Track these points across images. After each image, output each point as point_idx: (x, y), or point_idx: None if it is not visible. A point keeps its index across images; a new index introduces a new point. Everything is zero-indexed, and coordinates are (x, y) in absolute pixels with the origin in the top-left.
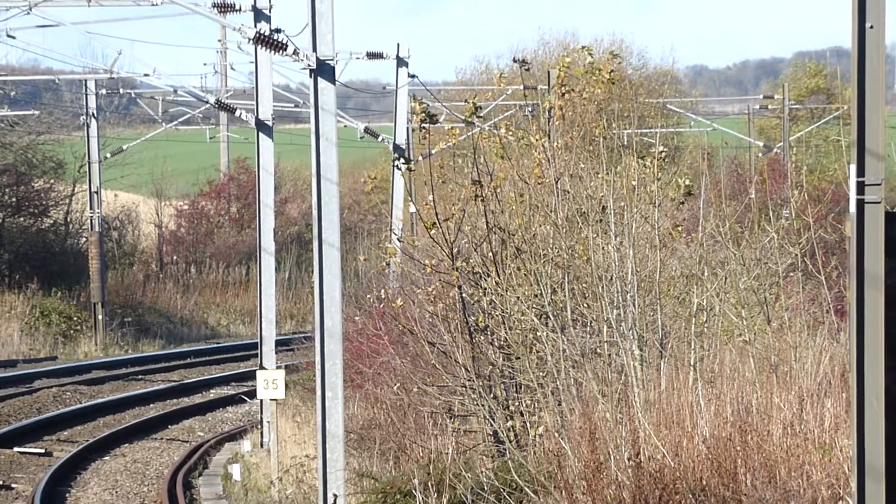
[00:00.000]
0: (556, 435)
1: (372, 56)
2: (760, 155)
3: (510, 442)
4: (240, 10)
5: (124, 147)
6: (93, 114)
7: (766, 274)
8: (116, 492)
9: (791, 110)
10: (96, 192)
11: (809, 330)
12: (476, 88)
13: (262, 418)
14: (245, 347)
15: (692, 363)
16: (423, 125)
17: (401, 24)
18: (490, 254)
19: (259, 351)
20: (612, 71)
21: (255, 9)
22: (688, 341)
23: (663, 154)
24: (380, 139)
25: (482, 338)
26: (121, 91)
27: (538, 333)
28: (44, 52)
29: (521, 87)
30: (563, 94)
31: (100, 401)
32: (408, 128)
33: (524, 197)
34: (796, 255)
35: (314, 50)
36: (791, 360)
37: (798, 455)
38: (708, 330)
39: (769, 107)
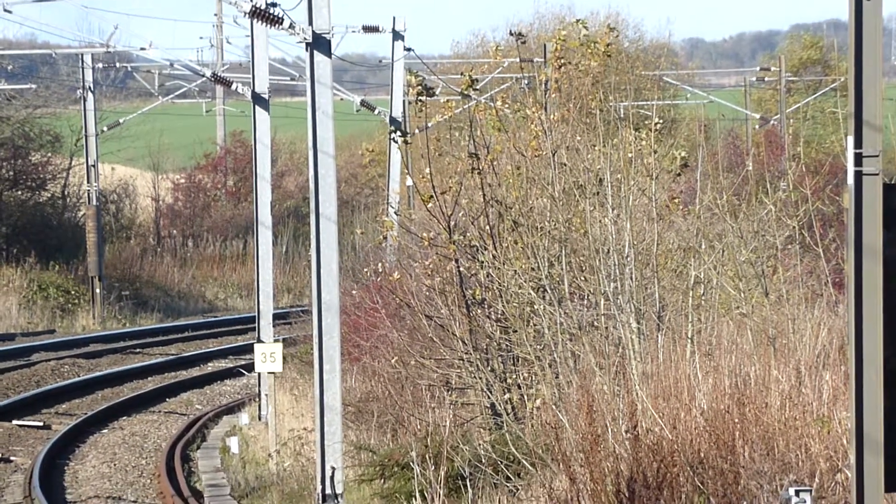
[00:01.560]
0: (554, 407)
1: (368, 29)
2: (757, 127)
3: (507, 414)
4: None
5: (121, 121)
6: (89, 87)
7: (764, 246)
8: (115, 464)
9: (787, 82)
10: (93, 166)
11: (807, 302)
12: (472, 61)
13: (259, 391)
14: (242, 321)
15: (690, 336)
16: (420, 98)
17: None
18: (487, 227)
19: (257, 324)
20: (609, 44)
21: None
22: (685, 314)
23: (660, 126)
24: (376, 112)
25: (479, 311)
26: (117, 65)
27: (535, 306)
28: (41, 26)
29: (518, 60)
30: (560, 67)
31: (98, 374)
32: (404, 101)
33: (521, 170)
34: (794, 227)
35: (310, 24)
36: (789, 333)
37: (796, 427)
38: (705, 302)
39: (766, 79)
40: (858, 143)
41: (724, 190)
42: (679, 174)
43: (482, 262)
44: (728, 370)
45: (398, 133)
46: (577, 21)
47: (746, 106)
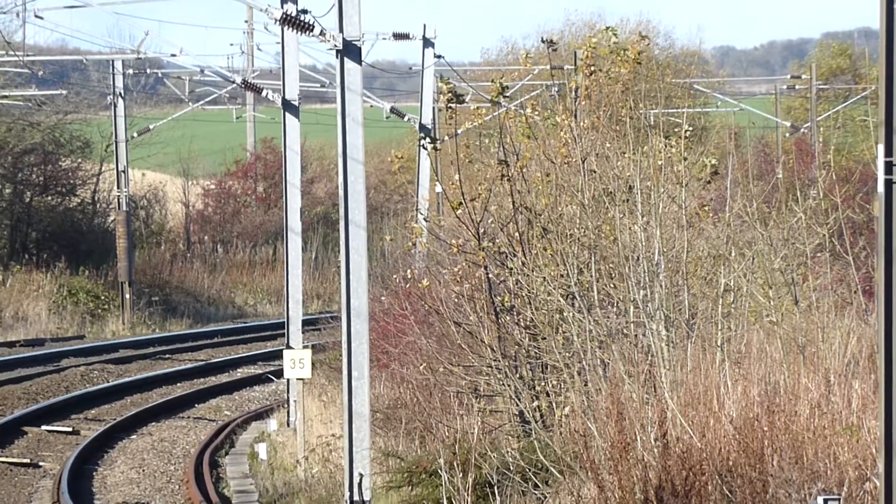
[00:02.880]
0: (583, 415)
1: (398, 37)
2: (787, 135)
3: (536, 422)
4: None
5: (151, 127)
6: (120, 93)
7: (794, 254)
8: (143, 470)
9: (818, 90)
10: (123, 172)
11: (837, 310)
12: (502, 69)
13: (288, 397)
14: (272, 327)
15: (719, 344)
16: (450, 105)
17: (427, 6)
18: (516, 234)
19: (286, 330)
20: (640, 52)
21: None
22: (715, 322)
23: (690, 134)
24: (406, 119)
25: (508, 318)
26: (148, 71)
27: (564, 314)
28: (71, 32)
29: (548, 67)
30: (590, 75)
31: (127, 380)
32: (434, 108)
33: (550, 177)
34: (824, 235)
35: (340, 31)
36: (818, 341)
37: (825, 436)
38: (735, 310)
39: (796, 87)
40: (889, 152)
41: (755, 198)
42: (709, 182)
43: (511, 268)
44: (757, 378)
45: (428, 140)
46: (607, 28)
47: (777, 114)
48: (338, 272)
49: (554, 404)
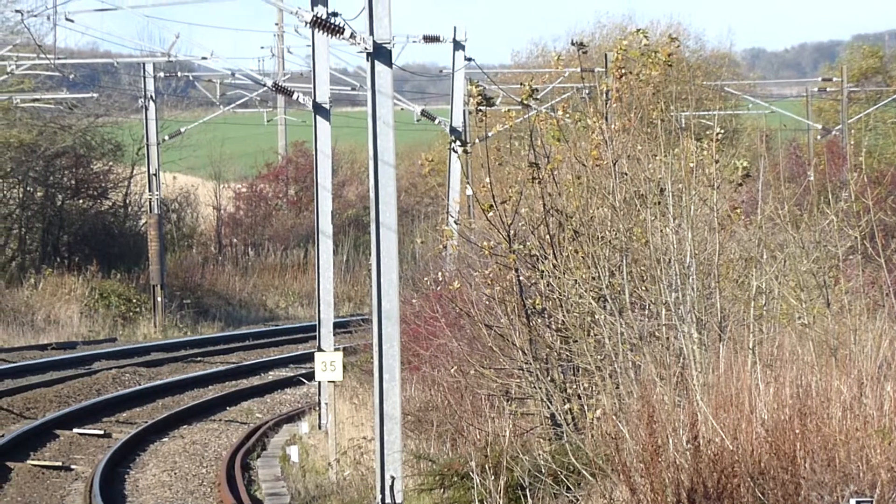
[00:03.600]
0: (614, 418)
1: (429, 39)
2: (819, 137)
3: (567, 425)
4: None
5: (182, 130)
6: (151, 97)
7: (826, 257)
8: (175, 473)
9: (849, 92)
10: (155, 175)
11: (869, 313)
12: (533, 71)
13: (319, 400)
14: (303, 330)
15: (751, 346)
16: (480, 108)
17: (457, 8)
18: (547, 236)
19: (317, 333)
20: (670, 54)
21: None
22: (747, 324)
23: (721, 136)
24: (436, 122)
25: (539, 321)
26: (179, 74)
27: (596, 316)
28: (102, 35)
29: (578, 69)
30: (621, 77)
31: (159, 382)
32: (464, 110)
33: (581, 179)
34: (856, 237)
35: (371, 33)
36: (850, 344)
37: (857, 438)
38: (767, 313)
39: (827, 89)
40: None
41: (786, 200)
42: (741, 184)
43: (542, 271)
44: (789, 381)
45: (458, 142)
46: (638, 31)
47: (808, 116)
48: (369, 275)
49: (585, 407)
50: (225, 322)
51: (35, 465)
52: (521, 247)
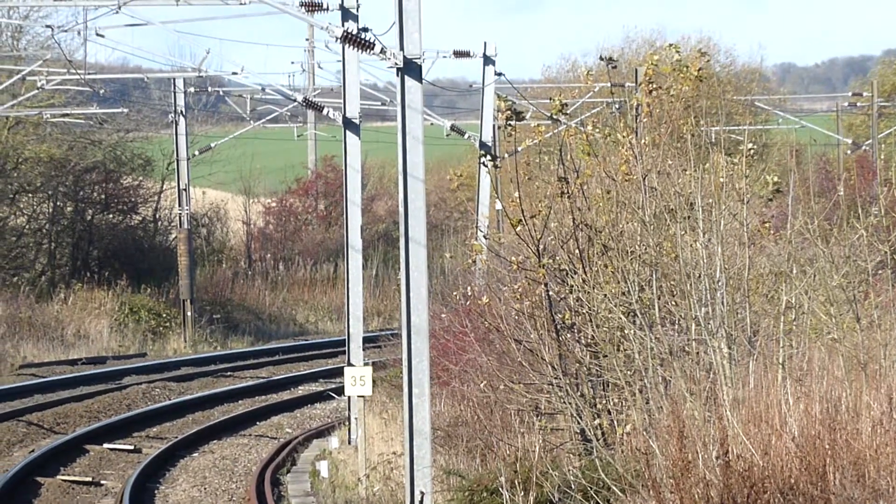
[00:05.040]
0: (644, 433)
1: (459, 54)
2: (849, 152)
3: (597, 440)
4: (327, 9)
5: (212, 145)
6: (181, 112)
7: (856, 271)
8: (205, 488)
9: (880, 107)
10: (185, 190)
11: None
12: (562, 86)
13: (349, 415)
14: (333, 344)
15: (781, 361)
16: (510, 122)
17: (487, 23)
18: (577, 251)
19: (347, 348)
20: (700, 69)
21: (342, 8)
22: (776, 339)
23: (752, 151)
24: (466, 137)
25: (569, 335)
26: (209, 89)
27: (625, 331)
28: (133, 50)
29: (608, 84)
30: (651, 92)
31: (188, 397)
32: (494, 125)
33: (611, 194)
34: (886, 252)
35: (401, 49)
36: (881, 359)
37: (888, 454)
38: (797, 328)
39: (858, 104)
40: None
41: (816, 215)
42: (771, 199)
43: (572, 286)
44: (819, 396)
45: (488, 157)
46: (670, 45)
47: (838, 131)
48: (398, 289)
49: (615, 422)
50: (255, 337)
51: (65, 481)
52: (551, 261)
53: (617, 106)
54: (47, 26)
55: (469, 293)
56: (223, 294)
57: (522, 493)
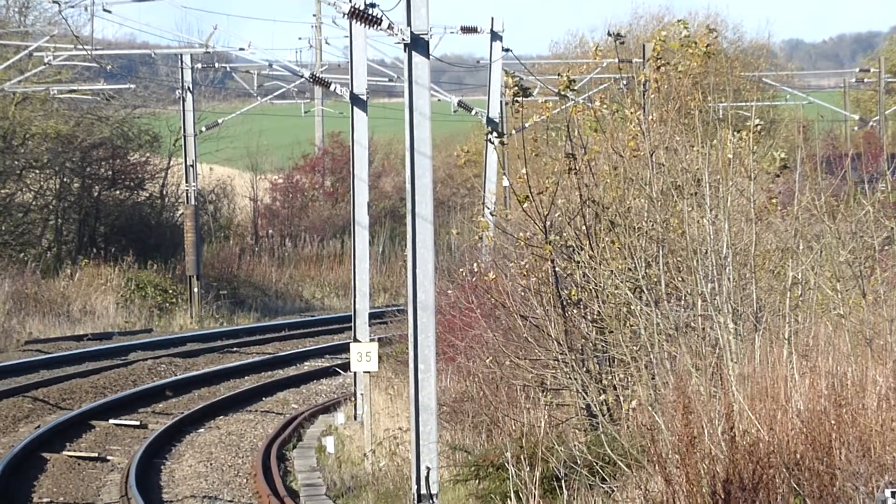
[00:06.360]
0: (650, 409)
1: (466, 30)
2: (856, 128)
3: (603, 416)
4: None
5: (220, 121)
6: (188, 88)
7: (862, 247)
8: (211, 464)
9: (887, 84)
10: (192, 166)
11: None
12: (570, 62)
13: (355, 391)
14: (339, 320)
15: (787, 337)
16: (516, 99)
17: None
18: (583, 227)
19: (353, 324)
20: (708, 45)
21: None
22: (782, 315)
23: (759, 127)
24: (473, 113)
25: (575, 311)
26: (216, 65)
27: (632, 307)
28: (140, 26)
29: (616, 60)
30: (659, 68)
31: (195, 373)
32: (501, 101)
33: (618, 170)
34: (892, 228)
35: (408, 24)
36: (886, 334)
37: (893, 429)
38: (803, 304)
39: (865, 80)
40: None
41: (822, 191)
42: (778, 175)
43: (578, 262)
44: (825, 371)
45: (495, 134)
46: (679, 21)
47: (845, 107)
48: (404, 266)
49: (621, 398)
50: (261, 313)
51: (71, 456)
52: (557, 238)
53: (625, 82)
54: (54, 2)
55: (475, 269)
56: (230, 270)
57: (528, 469)
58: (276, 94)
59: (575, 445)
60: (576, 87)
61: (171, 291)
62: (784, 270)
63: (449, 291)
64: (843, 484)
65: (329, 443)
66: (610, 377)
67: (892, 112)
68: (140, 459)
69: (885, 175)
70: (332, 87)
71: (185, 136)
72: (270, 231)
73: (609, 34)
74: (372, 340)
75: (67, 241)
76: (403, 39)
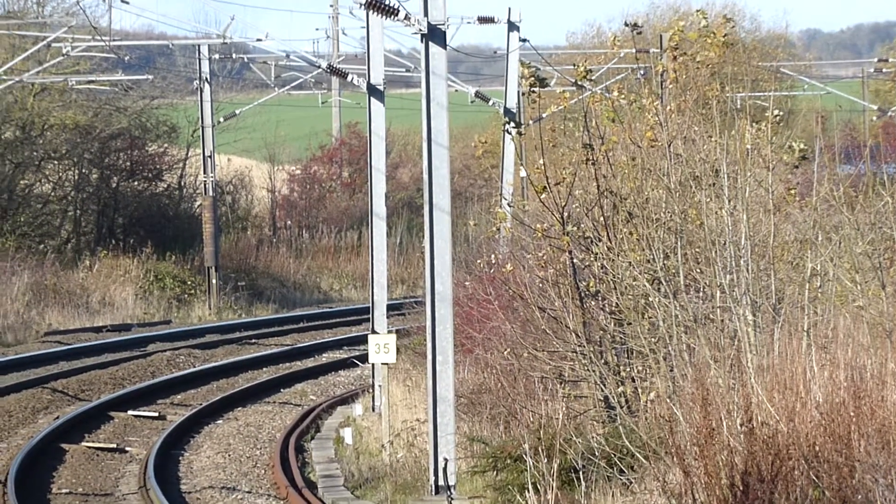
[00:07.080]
0: (668, 401)
1: (483, 21)
2: (875, 119)
3: (621, 407)
4: None
5: (237, 112)
6: (206, 78)
7: (881, 238)
8: (229, 455)
9: None
10: (210, 157)
11: None
12: (587, 52)
13: (373, 382)
14: (357, 312)
15: (806, 328)
16: (534, 89)
17: None
18: (601, 218)
19: (371, 315)
20: (725, 35)
21: None
22: (801, 306)
23: (777, 118)
24: (490, 103)
25: (593, 303)
26: (234, 56)
27: (650, 299)
28: (158, 17)
29: (633, 50)
30: (676, 58)
31: (213, 365)
32: (519, 92)
33: (636, 161)
34: None
35: (425, 15)
36: None
37: None
38: (822, 295)
39: (883, 70)
40: None
41: (841, 182)
42: (797, 166)
43: (596, 253)
44: (844, 363)
45: (512, 124)
46: (697, 11)
47: (864, 97)
48: (422, 257)
49: (639, 389)
50: (279, 304)
51: (90, 447)
52: (575, 229)
53: (642, 72)
54: None
55: (493, 261)
56: (248, 262)
57: (546, 461)
58: (293, 84)
59: (593, 437)
60: (593, 78)
61: (189, 283)
62: (803, 262)
63: (466, 283)
64: (862, 476)
65: (347, 434)
66: (628, 369)
67: None
68: (158, 450)
69: None
70: (349, 78)
71: (202, 127)
72: (288, 222)
73: (626, 24)
74: (390, 332)
75: (86, 232)
76: (420, 30)
